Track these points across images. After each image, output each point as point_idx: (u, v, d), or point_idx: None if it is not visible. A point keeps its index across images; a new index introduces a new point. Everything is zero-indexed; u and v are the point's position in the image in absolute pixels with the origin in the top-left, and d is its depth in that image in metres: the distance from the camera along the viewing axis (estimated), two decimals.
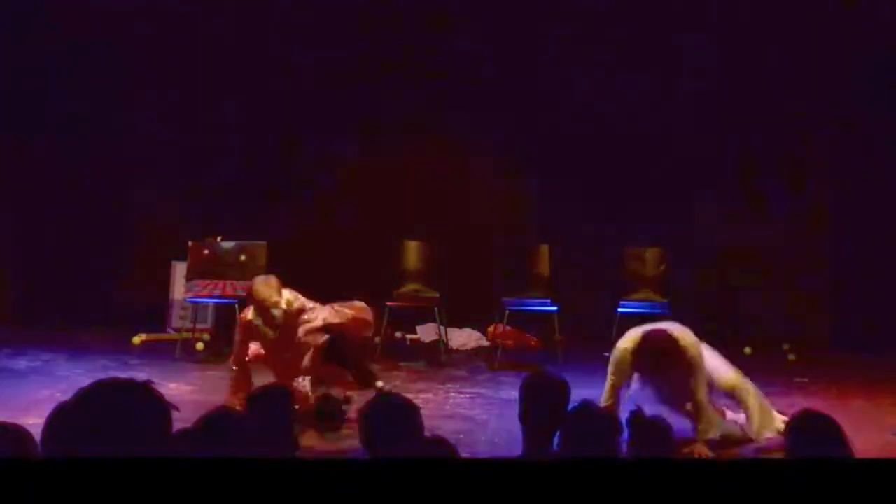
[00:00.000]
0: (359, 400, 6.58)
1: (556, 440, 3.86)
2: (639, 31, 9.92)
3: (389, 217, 10.03)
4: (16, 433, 2.92)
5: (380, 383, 7.10)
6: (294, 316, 7.00)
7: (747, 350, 9.46)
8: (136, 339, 9.58)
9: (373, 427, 3.64)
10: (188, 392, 7.52)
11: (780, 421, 6.25)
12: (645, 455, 3.90)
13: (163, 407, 2.49)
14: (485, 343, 9.82)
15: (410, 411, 3.68)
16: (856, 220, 9.92)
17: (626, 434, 4.08)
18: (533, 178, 10.18)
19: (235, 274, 9.28)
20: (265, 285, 7.03)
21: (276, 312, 6.94)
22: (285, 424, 3.98)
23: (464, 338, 9.89)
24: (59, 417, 2.61)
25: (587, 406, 3.78)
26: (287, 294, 7.06)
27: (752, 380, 6.55)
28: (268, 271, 9.17)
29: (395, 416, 3.65)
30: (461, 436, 6.20)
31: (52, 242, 10.40)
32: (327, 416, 6.73)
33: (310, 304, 7.11)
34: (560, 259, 9.55)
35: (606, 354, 6.46)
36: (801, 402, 6.93)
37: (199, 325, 9.64)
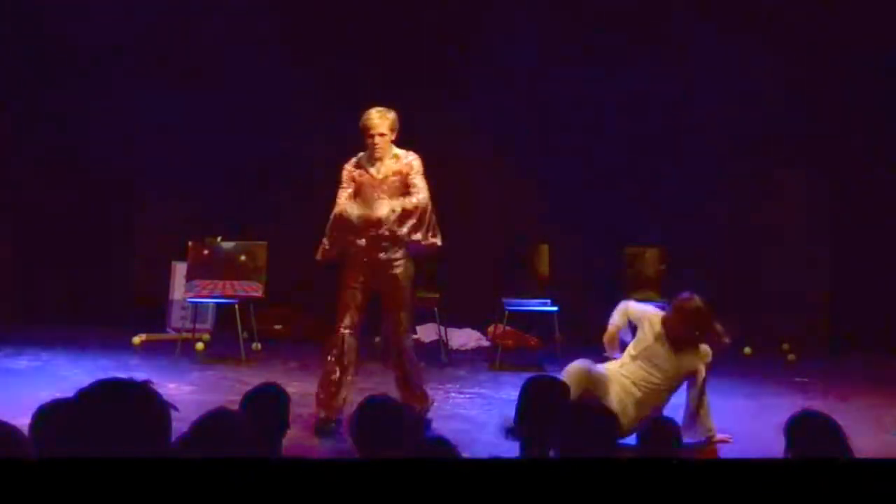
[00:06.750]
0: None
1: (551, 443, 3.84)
2: (638, 31, 9.90)
3: None
4: (11, 433, 2.90)
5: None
6: (399, 174, 6.54)
7: (747, 350, 9.47)
8: (136, 339, 9.58)
9: (360, 432, 3.63)
10: (188, 392, 7.52)
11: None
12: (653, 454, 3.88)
13: (162, 406, 2.49)
14: (485, 343, 9.82)
15: (399, 415, 3.66)
16: (856, 221, 9.91)
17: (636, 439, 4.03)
18: (532, 178, 10.16)
19: (235, 274, 9.29)
20: (378, 112, 6.41)
21: (379, 143, 6.32)
22: (282, 425, 3.97)
23: (464, 338, 9.88)
24: (56, 416, 2.61)
25: (585, 403, 3.77)
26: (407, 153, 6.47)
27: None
28: (268, 271, 9.22)
29: (383, 420, 3.62)
30: (461, 436, 6.18)
31: (52, 242, 10.39)
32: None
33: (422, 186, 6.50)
34: (560, 259, 9.54)
35: None
36: (801, 402, 6.92)
37: (199, 325, 9.64)
